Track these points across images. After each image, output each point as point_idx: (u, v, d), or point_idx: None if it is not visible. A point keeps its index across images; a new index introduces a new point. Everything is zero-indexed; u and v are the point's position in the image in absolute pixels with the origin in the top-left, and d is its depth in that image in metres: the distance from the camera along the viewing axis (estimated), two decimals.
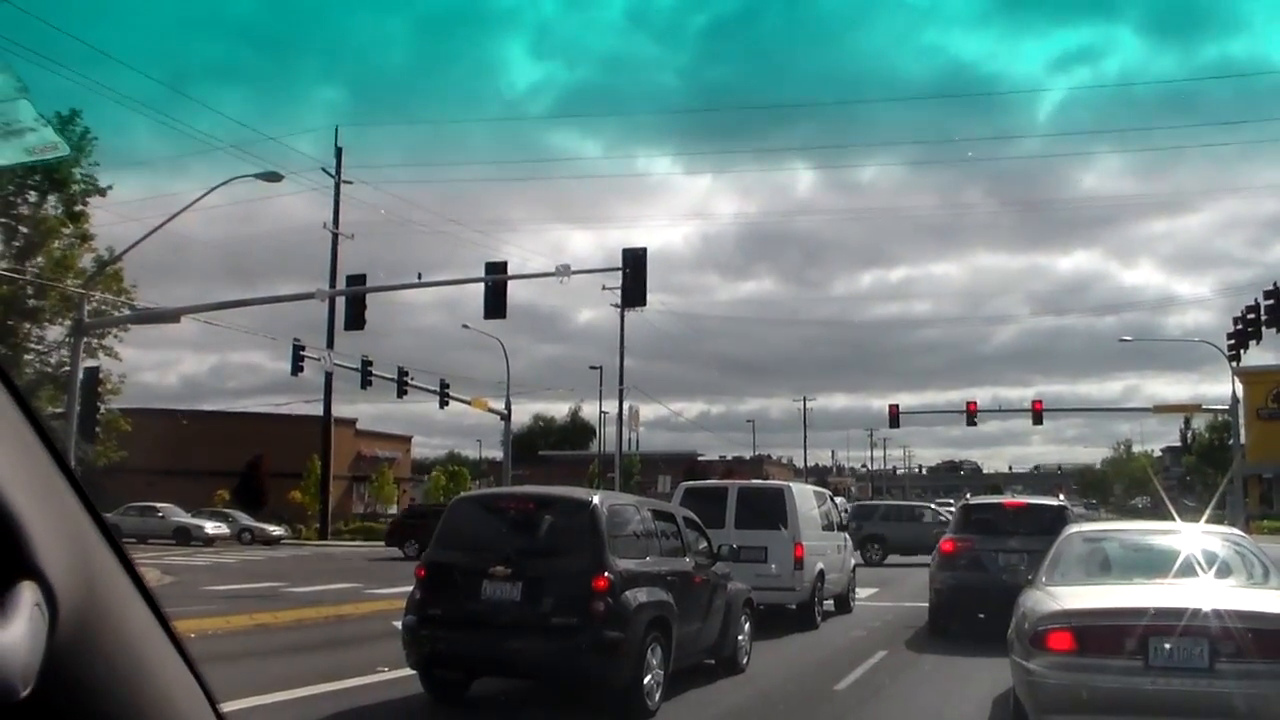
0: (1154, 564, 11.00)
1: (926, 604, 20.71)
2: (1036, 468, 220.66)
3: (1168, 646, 9.20)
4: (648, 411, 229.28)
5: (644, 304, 35.98)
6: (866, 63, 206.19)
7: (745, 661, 15.69)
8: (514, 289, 43.78)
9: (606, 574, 11.68)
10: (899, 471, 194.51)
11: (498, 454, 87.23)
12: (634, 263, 33.17)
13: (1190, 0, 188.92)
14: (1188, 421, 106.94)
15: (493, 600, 11.82)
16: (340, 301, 41.96)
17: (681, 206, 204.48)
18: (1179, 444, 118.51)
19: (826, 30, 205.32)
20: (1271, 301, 38.81)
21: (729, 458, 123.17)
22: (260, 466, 73.07)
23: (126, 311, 44.45)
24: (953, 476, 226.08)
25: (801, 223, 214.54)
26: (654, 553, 13.26)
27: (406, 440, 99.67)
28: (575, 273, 37.48)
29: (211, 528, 56.54)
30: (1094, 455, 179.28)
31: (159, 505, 57.43)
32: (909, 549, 40.94)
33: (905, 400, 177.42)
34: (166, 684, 1.80)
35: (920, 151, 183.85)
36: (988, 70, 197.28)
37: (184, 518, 57.10)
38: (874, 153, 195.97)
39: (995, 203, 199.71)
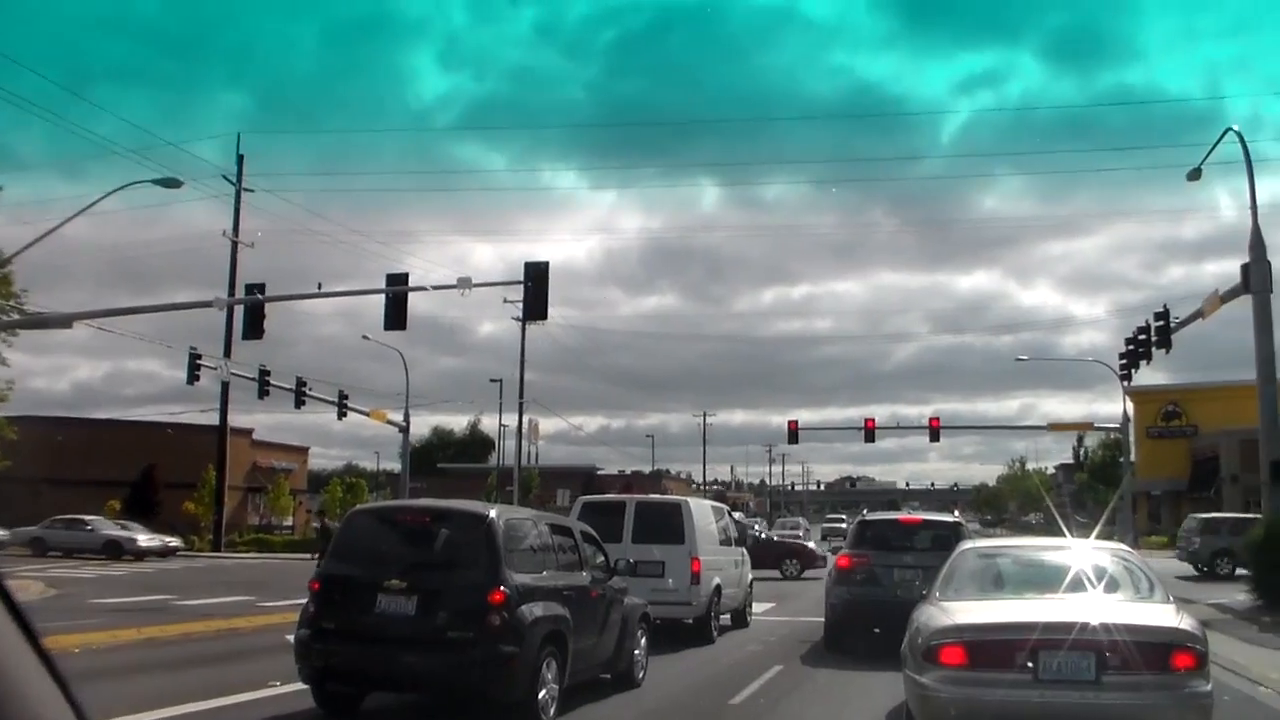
0: (1045, 579, 11.22)
1: (823, 619, 20.84)
2: (933, 484, 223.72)
3: (1056, 660, 9.41)
4: (548, 425, 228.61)
5: (545, 318, 36.08)
6: (773, 81, 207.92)
7: (641, 676, 15.68)
8: (415, 301, 43.57)
9: (502, 588, 11.62)
10: (796, 487, 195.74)
11: (396, 466, 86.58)
12: (536, 276, 33.17)
13: (1089, 29, 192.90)
14: (1081, 439, 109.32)
15: (387, 614, 11.70)
16: (239, 310, 41.36)
17: (586, 221, 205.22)
18: (1072, 461, 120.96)
19: (734, 48, 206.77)
20: (1161, 323, 39.66)
21: (628, 472, 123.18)
22: (153, 476, 71.68)
23: (15, 316, 43.39)
24: (850, 492, 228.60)
25: (706, 239, 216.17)
26: (550, 567, 13.23)
27: (304, 451, 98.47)
28: (476, 285, 37.46)
29: (144, 540, 54.08)
30: (990, 472, 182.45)
31: (88, 518, 55.26)
32: None
33: (805, 416, 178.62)
34: (33, 702, 1.74)
35: (825, 170, 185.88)
36: (893, 91, 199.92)
37: (114, 530, 54.65)
38: (779, 171, 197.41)
39: (898, 222, 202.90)
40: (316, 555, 35.36)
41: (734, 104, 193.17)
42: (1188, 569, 43.05)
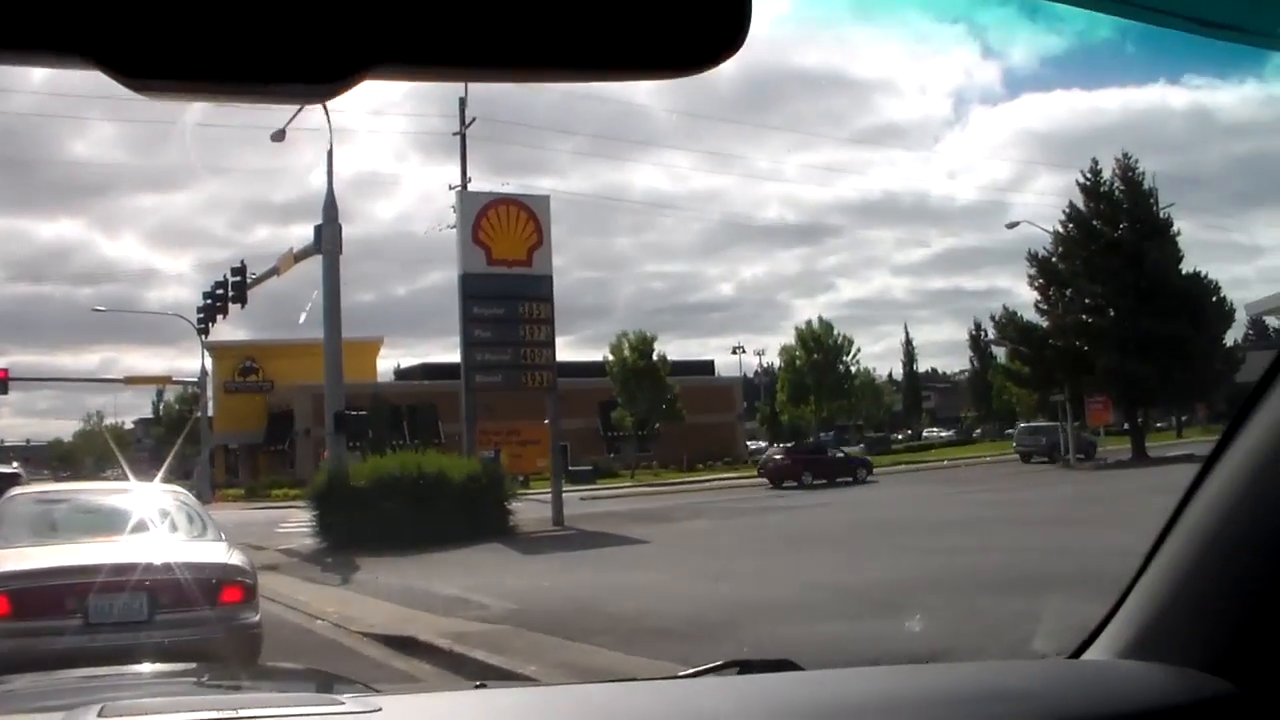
0: (101, 524, 11.08)
1: None
2: (3, 440, 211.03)
3: (108, 602, 9.35)
4: None
5: None
6: None
7: None
8: None
9: None
10: None
11: None
12: None
13: None
14: (161, 394, 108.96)
15: None
16: None
17: None
18: (152, 416, 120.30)
19: None
20: (239, 279, 40.58)
21: None
22: None
23: None
24: None
25: None
26: None
27: None
28: None
29: None
30: (69, 427, 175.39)
31: None
32: None
33: None
34: None
35: None
36: None
37: None
38: None
39: None
40: None
41: None
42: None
